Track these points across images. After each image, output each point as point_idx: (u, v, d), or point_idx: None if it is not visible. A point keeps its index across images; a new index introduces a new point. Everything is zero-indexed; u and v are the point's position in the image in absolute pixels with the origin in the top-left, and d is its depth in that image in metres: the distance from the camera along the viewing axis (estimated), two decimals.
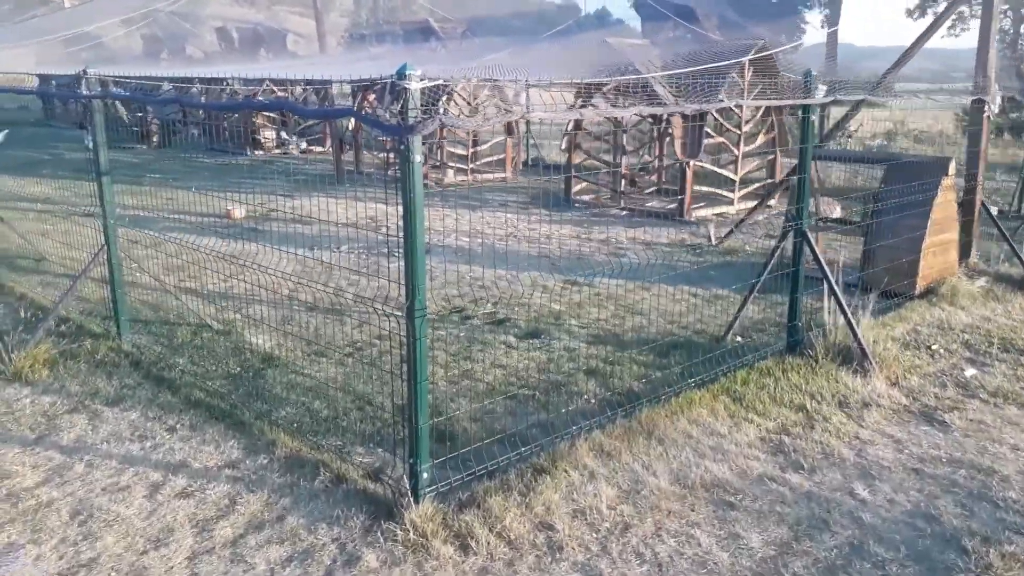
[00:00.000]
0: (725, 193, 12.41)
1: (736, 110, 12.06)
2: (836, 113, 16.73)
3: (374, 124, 3.56)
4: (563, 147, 12.81)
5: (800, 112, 5.82)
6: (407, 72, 3.23)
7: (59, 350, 5.66)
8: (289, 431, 4.60)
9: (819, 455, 4.42)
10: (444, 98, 15.45)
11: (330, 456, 4.30)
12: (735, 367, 5.48)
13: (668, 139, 14.03)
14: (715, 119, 12.22)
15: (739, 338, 6.34)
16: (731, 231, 9.82)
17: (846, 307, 5.65)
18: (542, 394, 5.19)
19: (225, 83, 18.63)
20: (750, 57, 11.13)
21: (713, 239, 10.10)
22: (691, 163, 11.53)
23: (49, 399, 5.07)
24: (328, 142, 21.22)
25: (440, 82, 3.38)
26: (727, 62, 11.31)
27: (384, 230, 10.66)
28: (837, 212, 10.59)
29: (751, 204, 12.58)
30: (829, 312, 5.84)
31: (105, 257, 5.76)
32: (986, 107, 7.61)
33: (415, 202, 3.44)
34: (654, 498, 3.92)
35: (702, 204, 12.29)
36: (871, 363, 5.45)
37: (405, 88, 3.22)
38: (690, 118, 11.38)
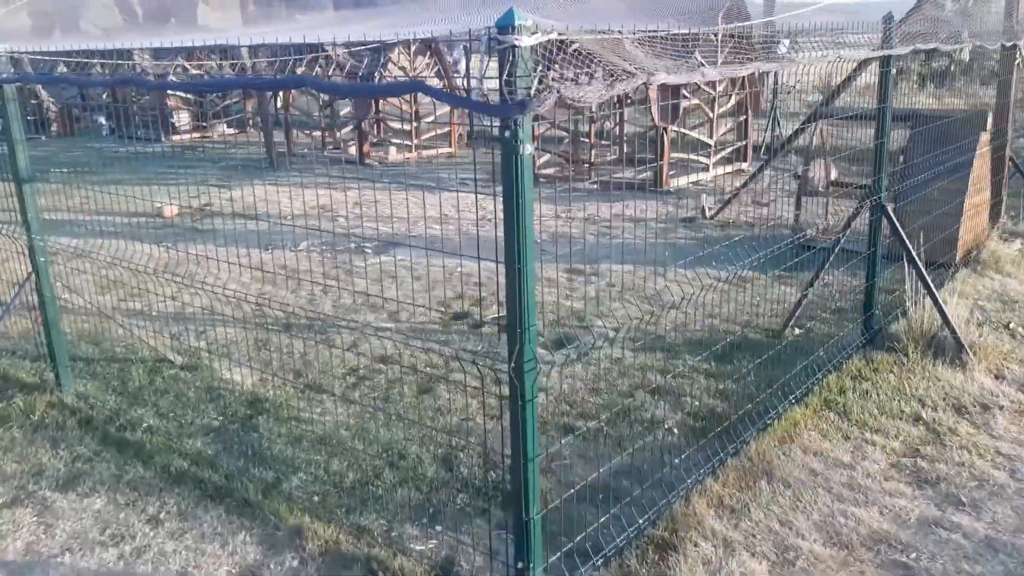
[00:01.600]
0: (701, 159, 11.67)
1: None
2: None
3: (460, 103, 2.54)
4: None
5: (879, 65, 5.00)
6: (515, 22, 2.21)
7: None
8: (312, 509, 3.56)
9: (971, 483, 3.66)
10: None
11: (380, 546, 3.28)
12: (823, 373, 4.70)
13: (629, 104, 13.20)
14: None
15: (796, 330, 5.56)
16: (727, 202, 9.07)
17: (935, 291, 4.91)
18: (608, 426, 4.28)
19: (131, 60, 16.79)
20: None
21: (707, 212, 9.32)
22: (668, 129, 10.71)
23: None
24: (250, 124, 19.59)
25: (555, 36, 2.37)
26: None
27: (342, 220, 9.50)
28: (833, 174, 9.98)
29: (726, 170, 11.90)
30: (911, 298, 5.11)
31: (33, 288, 4.51)
32: (1017, 53, 6.99)
33: (523, 211, 2.45)
34: (814, 570, 3.08)
35: (673, 172, 11.53)
36: (968, 354, 4.74)
37: (513, 46, 2.20)
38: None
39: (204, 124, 18.97)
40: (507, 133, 2.35)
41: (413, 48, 14.51)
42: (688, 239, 8.49)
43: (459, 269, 7.46)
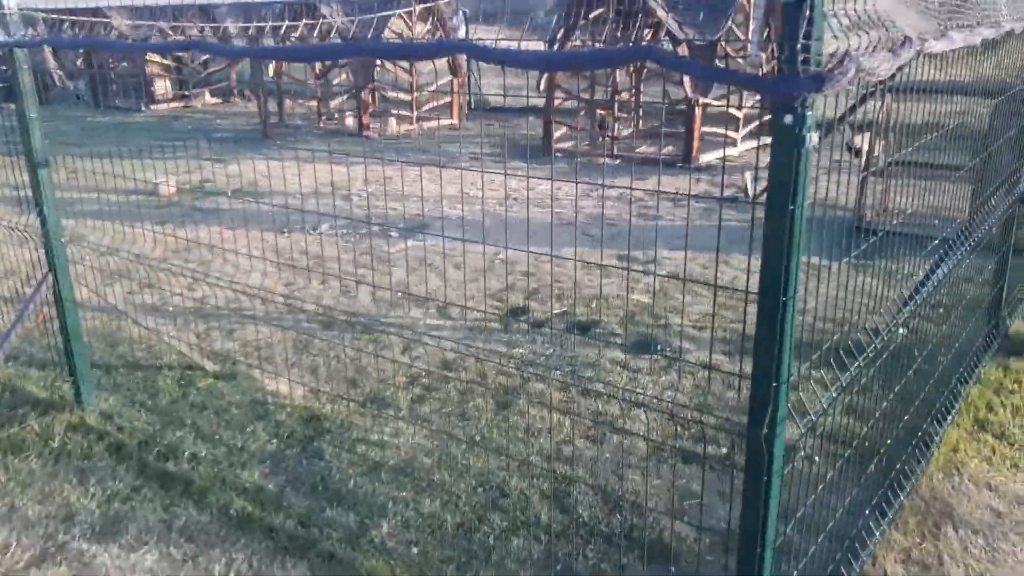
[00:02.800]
0: (729, 133, 11.07)
1: (741, 34, 10.64)
2: None
3: (722, 77, 1.92)
4: (541, 87, 11.10)
5: None
6: None
7: None
8: (413, 564, 2.95)
9: None
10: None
11: None
12: (961, 384, 4.16)
13: (647, 72, 12.55)
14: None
15: (901, 330, 5.02)
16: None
17: None
18: (734, 450, 3.72)
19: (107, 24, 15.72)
20: None
21: (750, 191, 8.75)
22: (700, 101, 10.08)
23: None
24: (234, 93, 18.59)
25: None
26: None
27: (357, 199, 8.79)
28: (864, 148, 9.44)
29: (752, 144, 11.34)
30: None
31: (50, 290, 3.81)
32: None
33: (796, 225, 1.84)
34: None
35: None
36: None
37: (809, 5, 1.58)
38: (701, 48, 9.88)
39: (186, 93, 17.97)
40: (789, 118, 1.73)
41: (416, 11, 13.68)
42: (738, 221, 7.92)
43: (499, 256, 6.83)
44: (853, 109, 7.67)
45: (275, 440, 3.84)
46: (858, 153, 9.23)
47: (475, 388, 4.35)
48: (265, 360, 4.71)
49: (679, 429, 3.86)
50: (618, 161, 10.90)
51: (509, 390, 4.34)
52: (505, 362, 4.65)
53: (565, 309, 5.55)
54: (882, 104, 6.90)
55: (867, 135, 9.47)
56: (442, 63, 15.09)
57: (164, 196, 8.93)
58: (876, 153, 8.94)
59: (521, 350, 4.86)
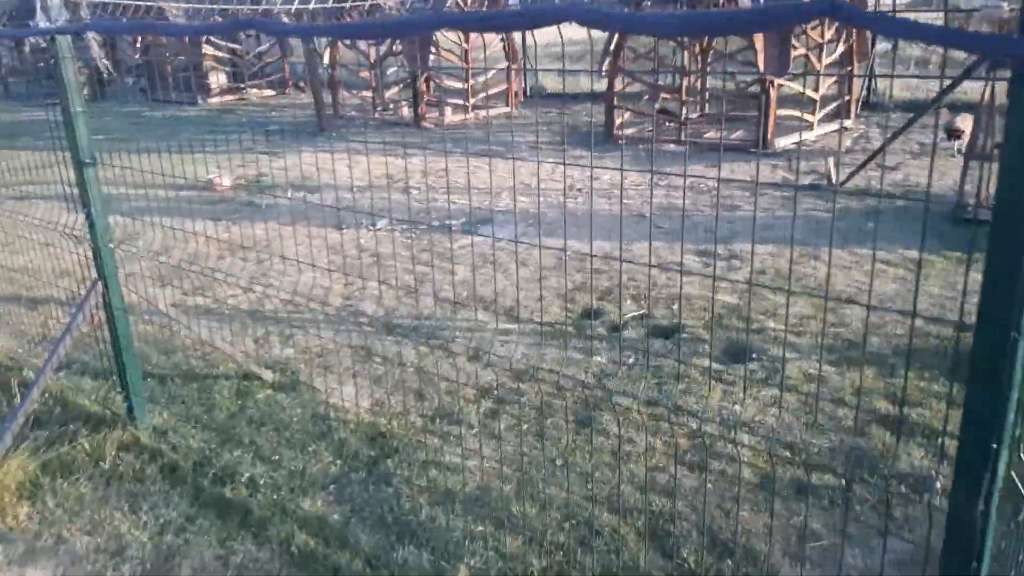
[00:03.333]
0: (806, 116, 10.42)
1: None
2: None
3: (958, 41, 1.49)
4: (604, 71, 10.61)
5: None
6: None
7: (41, 460, 3.47)
8: None
9: None
10: None
11: None
12: None
13: (713, 54, 11.95)
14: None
15: None
16: (863, 166, 7.88)
17: None
18: (852, 480, 3.26)
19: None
20: None
21: (834, 178, 8.15)
22: (776, 82, 9.48)
23: None
24: (289, 84, 18.51)
25: None
26: None
27: (415, 192, 8.46)
28: (968, 130, 8.73)
29: (829, 128, 10.68)
30: None
31: (100, 298, 3.53)
32: None
33: None
34: None
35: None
36: None
37: None
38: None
39: (241, 85, 17.93)
40: None
41: None
42: (822, 210, 7.35)
43: (567, 253, 6.41)
44: (950, 88, 7.03)
45: (339, 462, 3.52)
46: (959, 135, 8.54)
47: (552, 403, 3.97)
48: (325, 369, 4.40)
49: (793, 456, 3.41)
50: (686, 148, 10.36)
51: (590, 404, 3.94)
52: (583, 373, 4.25)
53: (643, 311, 5.11)
54: (987, 81, 6.25)
55: (968, 116, 8.77)
56: (497, 49, 14.69)
57: (218, 191, 8.74)
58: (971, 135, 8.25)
59: (600, 358, 4.45)
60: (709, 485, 3.24)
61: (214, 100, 17.12)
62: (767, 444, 3.52)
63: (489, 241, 6.78)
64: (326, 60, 14.26)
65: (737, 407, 3.84)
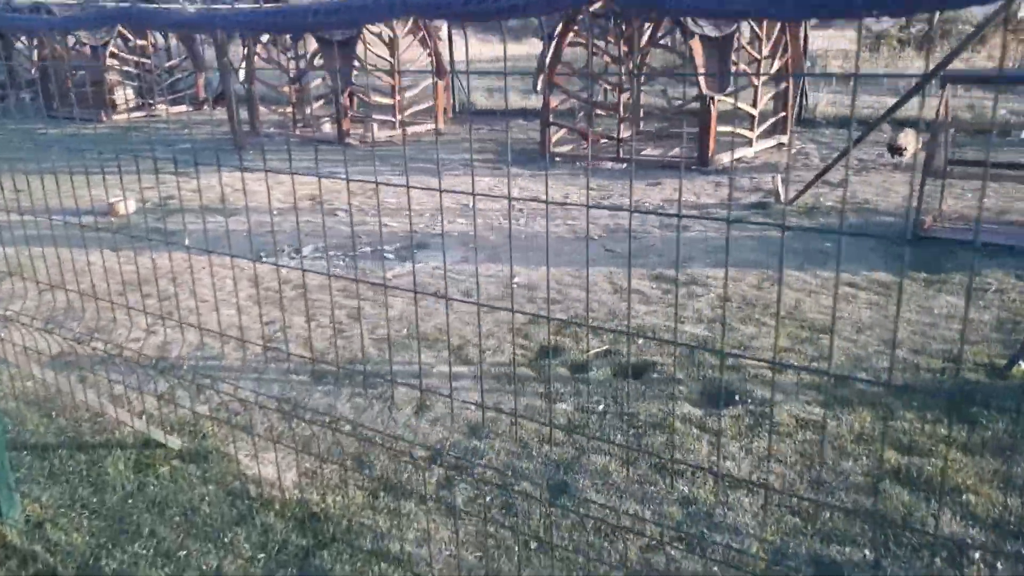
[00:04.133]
0: (745, 132, 10.21)
1: (757, 27, 9.79)
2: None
3: None
4: (539, 88, 10.17)
5: None
6: None
7: None
8: None
9: None
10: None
11: None
12: None
13: (650, 71, 11.69)
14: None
15: (1023, 365, 4.13)
16: (811, 184, 7.61)
17: None
18: (872, 549, 2.79)
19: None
20: None
21: (782, 196, 7.87)
22: (716, 98, 9.20)
23: None
24: (200, 99, 17.48)
25: None
26: None
27: (343, 215, 7.79)
28: (911, 146, 8.63)
29: (767, 144, 10.51)
30: None
31: None
32: None
33: None
34: None
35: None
36: None
37: None
38: (716, 41, 9.00)
39: (150, 102, 16.83)
40: None
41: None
42: (775, 230, 7.02)
43: (515, 280, 5.88)
44: (898, 105, 6.82)
45: (262, 556, 2.85)
46: (901, 152, 8.41)
47: (517, 465, 3.39)
48: (244, 430, 3.71)
49: (804, 525, 2.93)
50: (624, 165, 10.00)
51: (562, 464, 3.39)
52: (548, 423, 3.69)
53: (607, 347, 4.60)
54: (942, 97, 6.02)
55: (911, 132, 8.65)
56: (424, 64, 14.13)
57: (118, 216, 7.87)
58: (913, 151, 8.12)
59: (565, 405, 3.91)
60: (714, 569, 2.72)
61: (120, 117, 15.97)
62: (772, 509, 3.04)
63: (427, 269, 6.19)
64: (243, 74, 13.41)
65: (729, 463, 3.34)
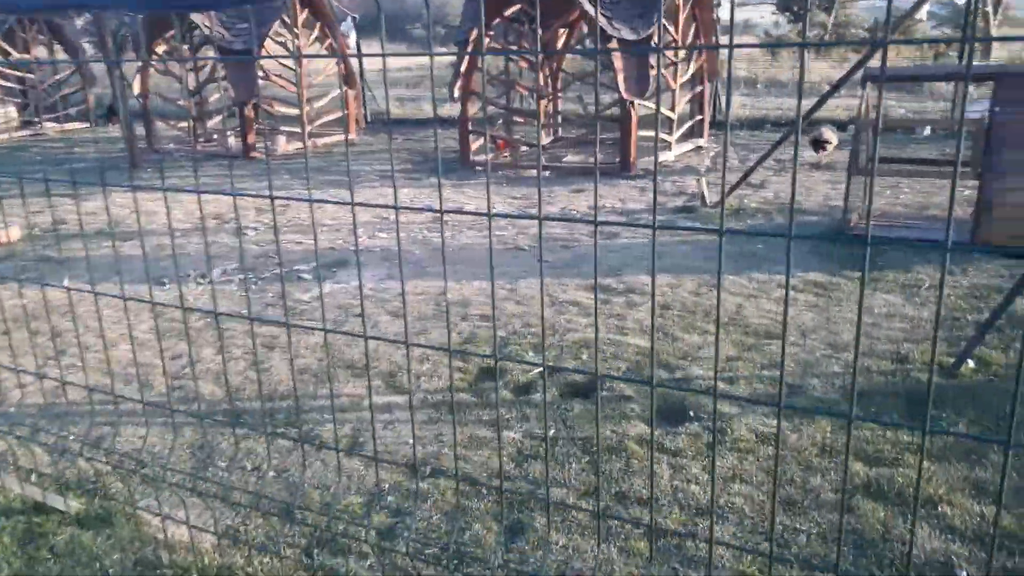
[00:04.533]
0: (664, 136, 10.18)
1: (671, 31, 9.77)
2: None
3: None
4: (455, 94, 9.88)
5: None
6: None
7: None
8: None
9: None
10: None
11: None
12: None
13: (561, 76, 11.58)
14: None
15: (971, 363, 4.08)
16: (736, 185, 7.57)
17: None
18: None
19: None
20: None
21: (708, 200, 7.81)
22: (636, 103, 9.11)
23: None
24: (92, 114, 16.46)
25: None
26: None
27: (252, 234, 7.30)
28: (834, 142, 8.74)
29: (686, 147, 10.53)
30: None
31: None
32: None
33: None
34: None
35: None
36: None
37: None
38: (633, 44, 8.91)
39: (35, 119, 15.71)
40: None
41: (301, 19, 12.19)
42: (703, 234, 6.92)
43: (445, 297, 5.54)
44: (821, 102, 6.84)
45: None
46: (824, 147, 8.49)
47: (466, 505, 3.08)
48: (151, 485, 3.27)
49: (781, 550, 2.71)
50: (548, 173, 9.81)
51: (516, 503, 3.09)
52: (496, 458, 3.39)
53: (549, 363, 4.34)
54: (863, 95, 6.03)
55: (830, 127, 8.76)
56: (333, 74, 13.66)
57: (6, 243, 7.16)
58: (835, 145, 8.21)
59: (512, 434, 3.62)
60: None
61: (1, 136, 14.83)
62: (743, 533, 2.82)
63: (347, 289, 5.79)
64: (137, 88, 12.62)
65: (695, 487, 3.12)
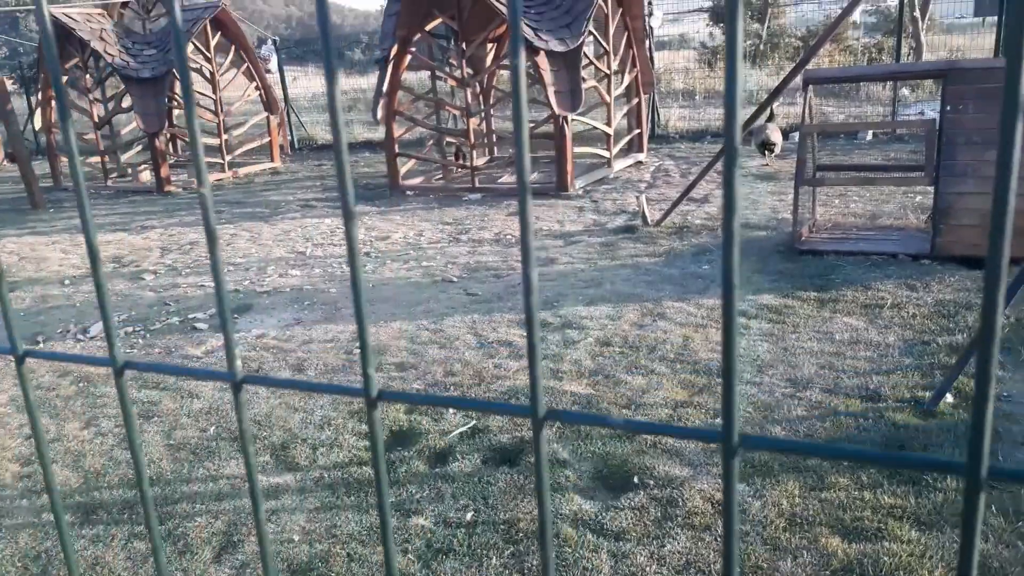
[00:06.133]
0: (602, 152, 9.69)
1: (603, 43, 9.31)
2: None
3: None
4: (379, 116, 9.26)
5: None
6: None
7: None
8: None
9: None
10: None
11: None
12: None
13: (493, 93, 11.05)
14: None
15: (950, 398, 3.57)
16: (677, 203, 7.07)
17: None
18: None
19: None
20: None
21: (650, 219, 7.30)
22: (570, 118, 8.60)
23: None
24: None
25: None
26: None
27: (150, 279, 6.54)
28: (779, 140, 8.33)
29: (626, 163, 10.07)
30: None
31: None
32: None
33: None
34: None
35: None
36: None
37: None
38: (563, 57, 8.41)
39: None
40: None
41: (213, 42, 11.46)
42: (648, 256, 6.40)
43: (356, 341, 4.88)
44: (766, 104, 6.40)
45: None
46: (772, 148, 8.08)
47: None
48: None
49: None
50: (479, 195, 9.24)
51: None
52: (401, 555, 2.75)
53: (473, 422, 3.72)
54: (805, 98, 5.57)
55: (775, 128, 8.36)
56: (252, 95, 12.92)
57: None
58: (781, 146, 7.80)
59: (423, 520, 2.98)
60: None
61: None
62: None
63: (250, 338, 5.10)
64: (38, 123, 11.72)
65: None
